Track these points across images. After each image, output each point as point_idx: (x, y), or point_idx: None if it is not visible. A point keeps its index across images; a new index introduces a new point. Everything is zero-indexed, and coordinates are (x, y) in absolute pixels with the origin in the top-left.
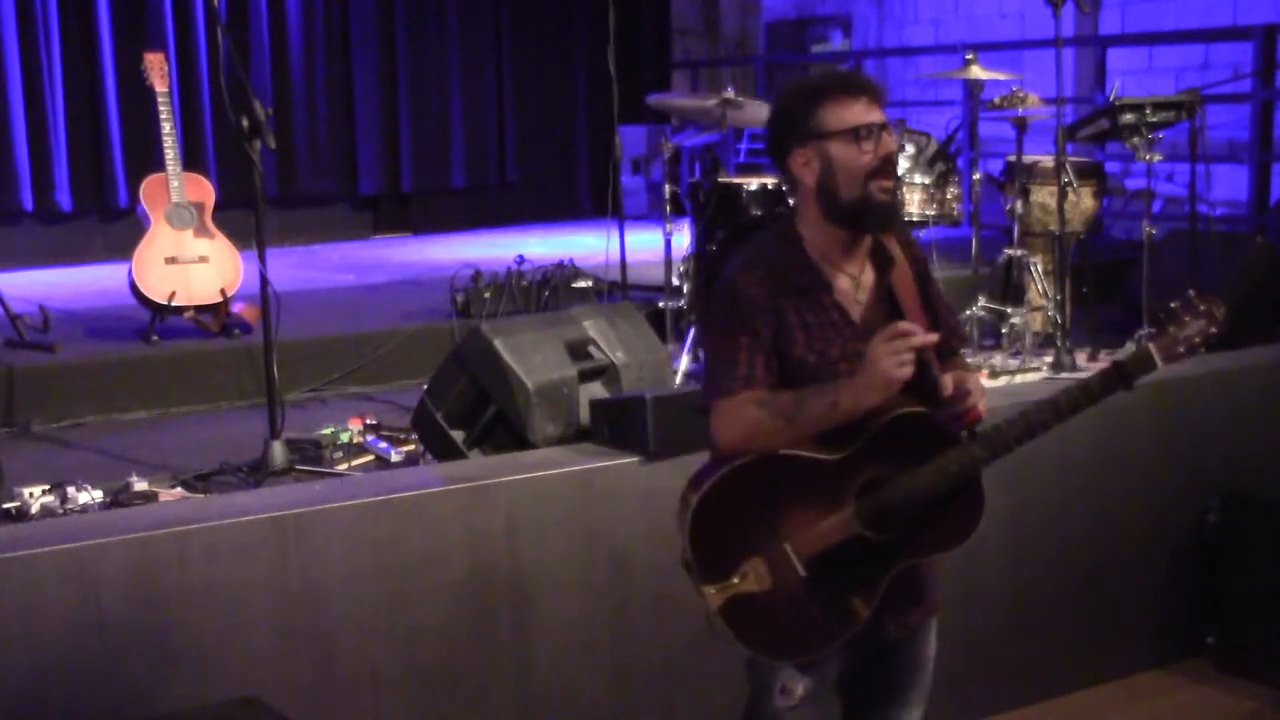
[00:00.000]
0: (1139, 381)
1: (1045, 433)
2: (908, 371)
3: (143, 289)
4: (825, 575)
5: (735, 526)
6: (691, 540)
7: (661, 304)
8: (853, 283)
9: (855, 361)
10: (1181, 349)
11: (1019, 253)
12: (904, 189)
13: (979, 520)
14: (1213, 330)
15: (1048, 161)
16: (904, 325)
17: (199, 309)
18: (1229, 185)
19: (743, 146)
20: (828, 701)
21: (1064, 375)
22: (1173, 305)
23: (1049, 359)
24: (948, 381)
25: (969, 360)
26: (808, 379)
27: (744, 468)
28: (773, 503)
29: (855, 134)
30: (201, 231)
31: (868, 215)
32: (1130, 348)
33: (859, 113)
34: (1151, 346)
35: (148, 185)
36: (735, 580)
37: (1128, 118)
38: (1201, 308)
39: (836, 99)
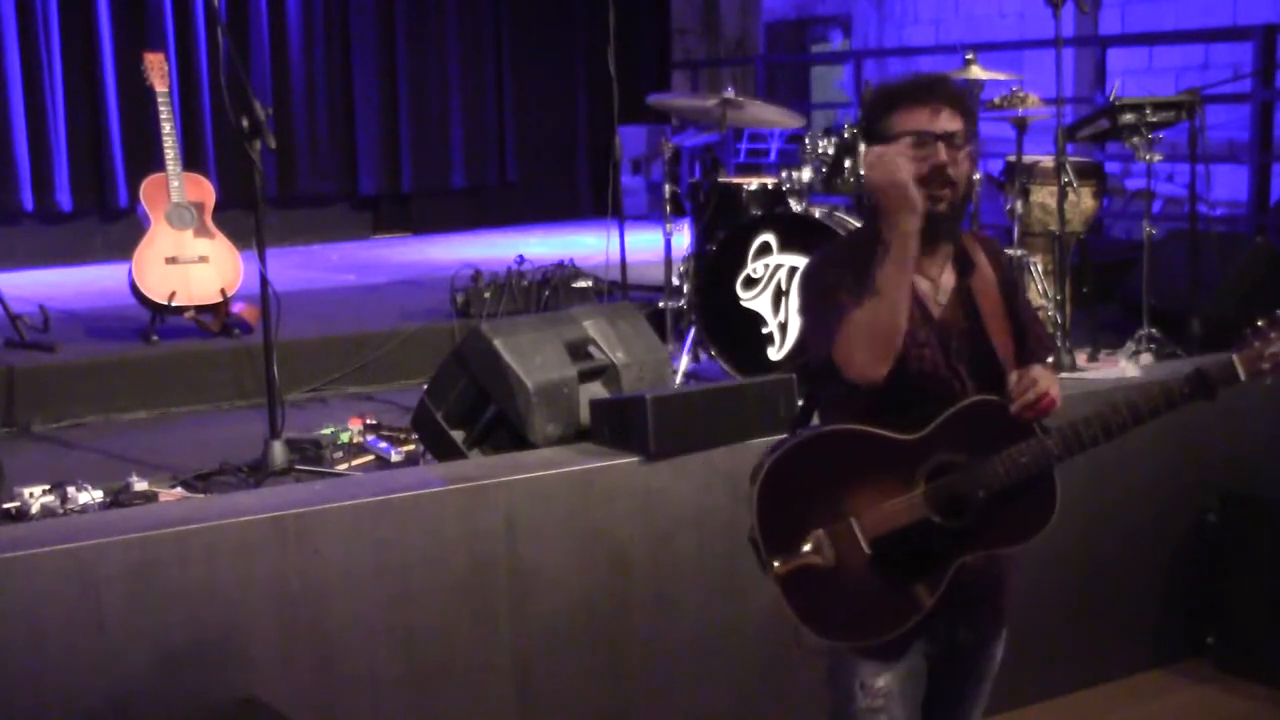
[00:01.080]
0: (1220, 391)
1: (1122, 435)
2: (894, 165)
3: (143, 289)
4: (890, 557)
5: (803, 499)
6: (759, 511)
7: (662, 304)
8: (932, 285)
9: (935, 349)
10: (1266, 365)
11: (1019, 253)
12: None
13: (1051, 516)
14: None
15: (1048, 162)
16: (876, 147)
17: (199, 309)
18: (1229, 185)
19: (743, 146)
20: (911, 697)
21: (1064, 375)
22: (1260, 322)
23: (1048, 360)
24: (1014, 376)
25: None
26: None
27: (816, 439)
28: (842, 477)
29: (907, 140)
30: (201, 231)
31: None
32: (1130, 348)
33: (920, 119)
34: (1235, 358)
35: (148, 185)
36: (803, 551)
37: (1128, 118)
38: None
39: (906, 105)
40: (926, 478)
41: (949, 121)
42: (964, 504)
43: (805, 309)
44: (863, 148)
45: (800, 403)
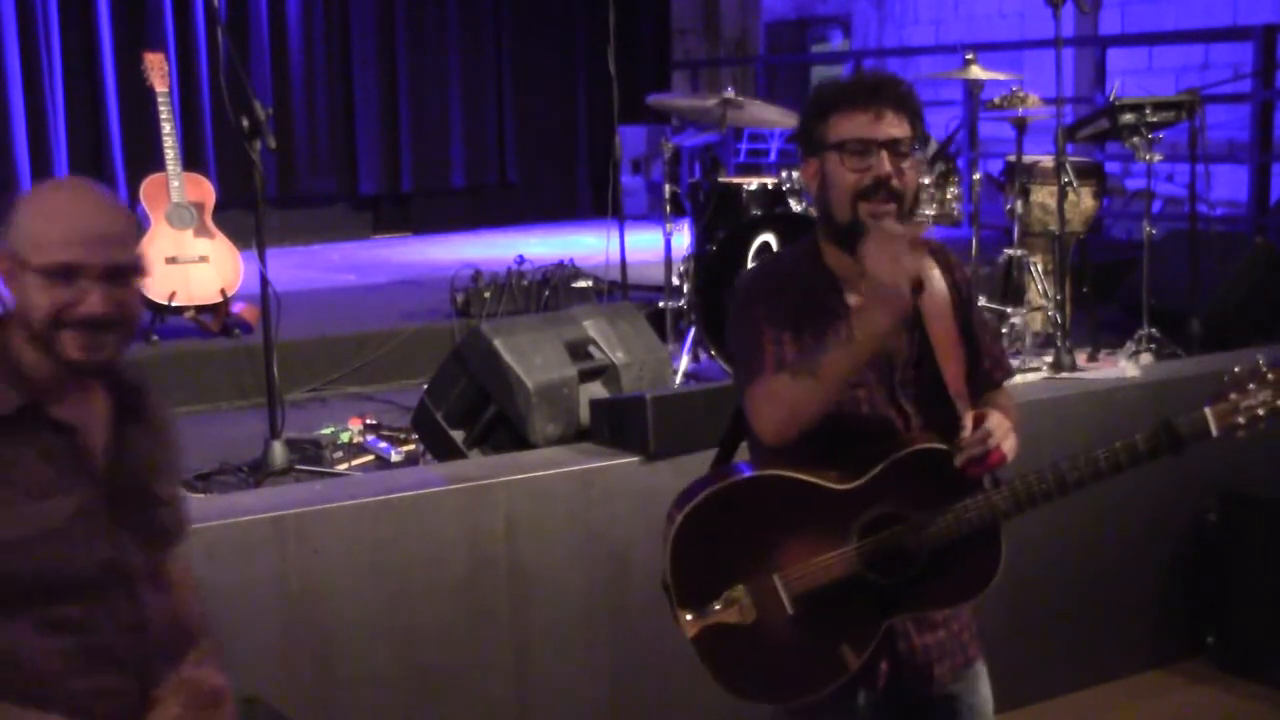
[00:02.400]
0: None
1: (1079, 490)
2: (907, 264)
3: (143, 289)
4: (815, 615)
5: (722, 550)
6: (673, 559)
7: (661, 304)
8: None
9: (872, 389)
10: (1241, 419)
11: (1019, 253)
12: None
13: (994, 575)
14: (1278, 404)
15: (1048, 161)
16: (887, 224)
17: (199, 309)
18: (1229, 185)
19: (743, 146)
20: None
21: (1064, 375)
22: (1237, 369)
23: (1049, 359)
24: (968, 419)
25: None
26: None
27: (739, 485)
28: (767, 528)
29: (843, 148)
30: (202, 231)
31: (856, 240)
32: (1130, 348)
33: (860, 125)
34: (1208, 411)
35: (148, 185)
36: (716, 608)
37: (1128, 118)
38: (1270, 377)
39: (846, 108)
40: (861, 532)
41: (893, 127)
42: (901, 561)
43: (731, 334)
44: (807, 160)
45: (728, 426)
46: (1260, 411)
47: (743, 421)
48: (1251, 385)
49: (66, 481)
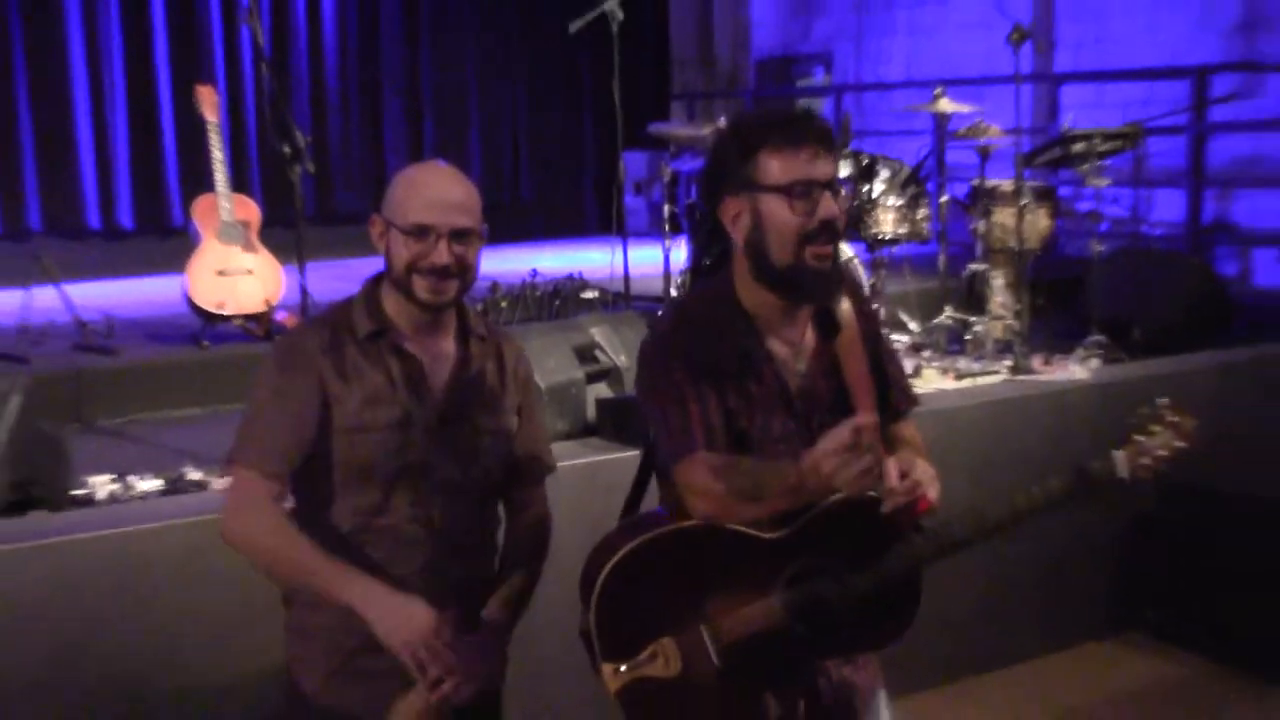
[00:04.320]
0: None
1: (999, 535)
2: (868, 480)
3: (195, 299)
4: (740, 666)
5: (648, 601)
6: (597, 612)
7: (661, 313)
8: (793, 350)
9: (794, 441)
10: (1147, 461)
11: (982, 267)
12: (880, 210)
13: (912, 619)
14: (1180, 445)
15: (1008, 185)
16: (844, 432)
17: (246, 316)
18: (1167, 208)
19: None
20: None
21: (1022, 377)
22: (1141, 411)
23: (1008, 363)
24: (892, 469)
25: (935, 366)
26: (752, 452)
27: (668, 536)
28: (694, 579)
29: (791, 190)
30: (248, 247)
31: (800, 284)
32: (1080, 353)
33: (799, 166)
34: (1117, 456)
35: (200, 205)
36: (641, 660)
37: (1078, 147)
38: (1171, 419)
39: (777, 146)
40: (787, 583)
41: (828, 165)
42: (825, 610)
43: (647, 391)
44: (727, 200)
45: (639, 470)
46: (1163, 452)
47: (654, 464)
48: (1156, 427)
49: (397, 395)
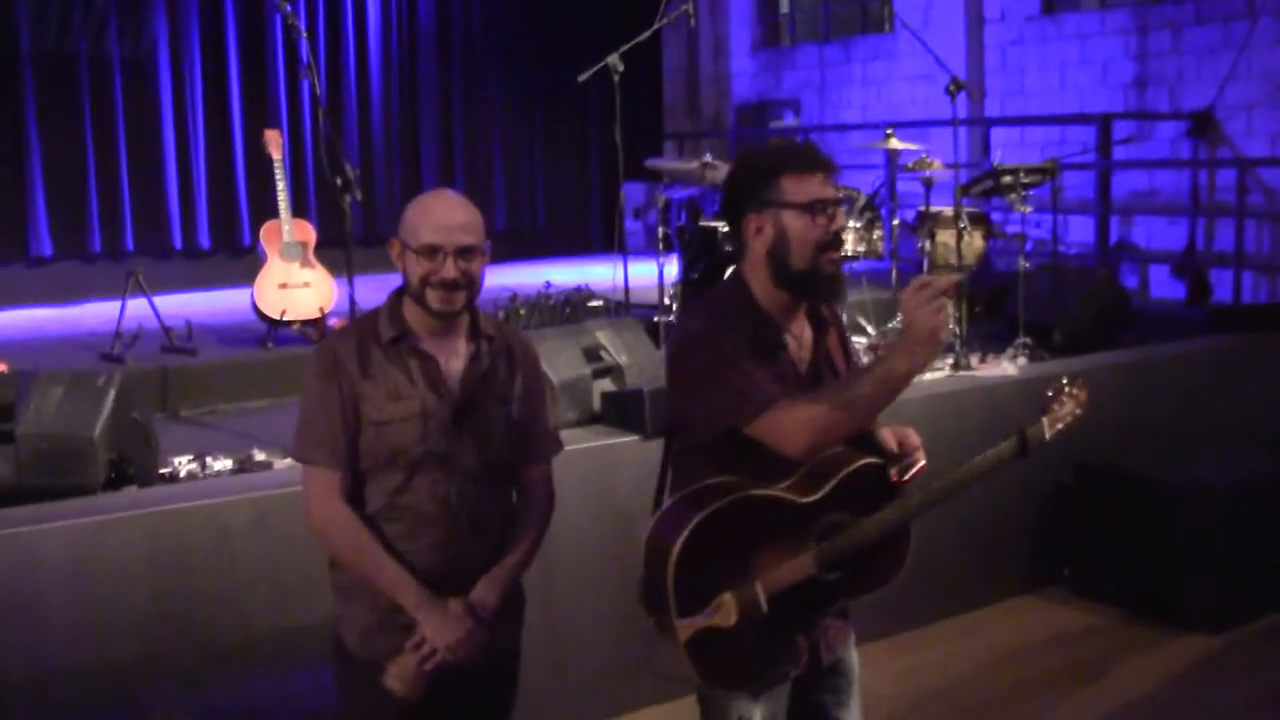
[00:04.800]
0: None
1: (965, 491)
2: (945, 317)
3: (261, 308)
4: (779, 611)
5: (713, 564)
6: (675, 577)
7: (656, 319)
8: (797, 343)
9: None
10: (1060, 425)
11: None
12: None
13: (905, 563)
14: (1079, 411)
15: (948, 211)
16: (923, 277)
17: (304, 323)
18: (1080, 231)
19: (718, 199)
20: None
21: (961, 373)
22: (1050, 391)
23: (950, 361)
24: (890, 437)
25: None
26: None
27: (725, 509)
28: (749, 542)
29: (812, 208)
30: (306, 264)
31: (816, 285)
32: (1010, 352)
33: (816, 187)
34: (1043, 421)
35: (266, 229)
36: (707, 614)
37: (1006, 179)
38: (1070, 391)
39: (797, 171)
40: (818, 538)
41: (834, 188)
42: (842, 561)
43: (703, 374)
44: (750, 216)
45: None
46: (1068, 418)
47: (677, 448)
48: (1063, 398)
49: (416, 390)
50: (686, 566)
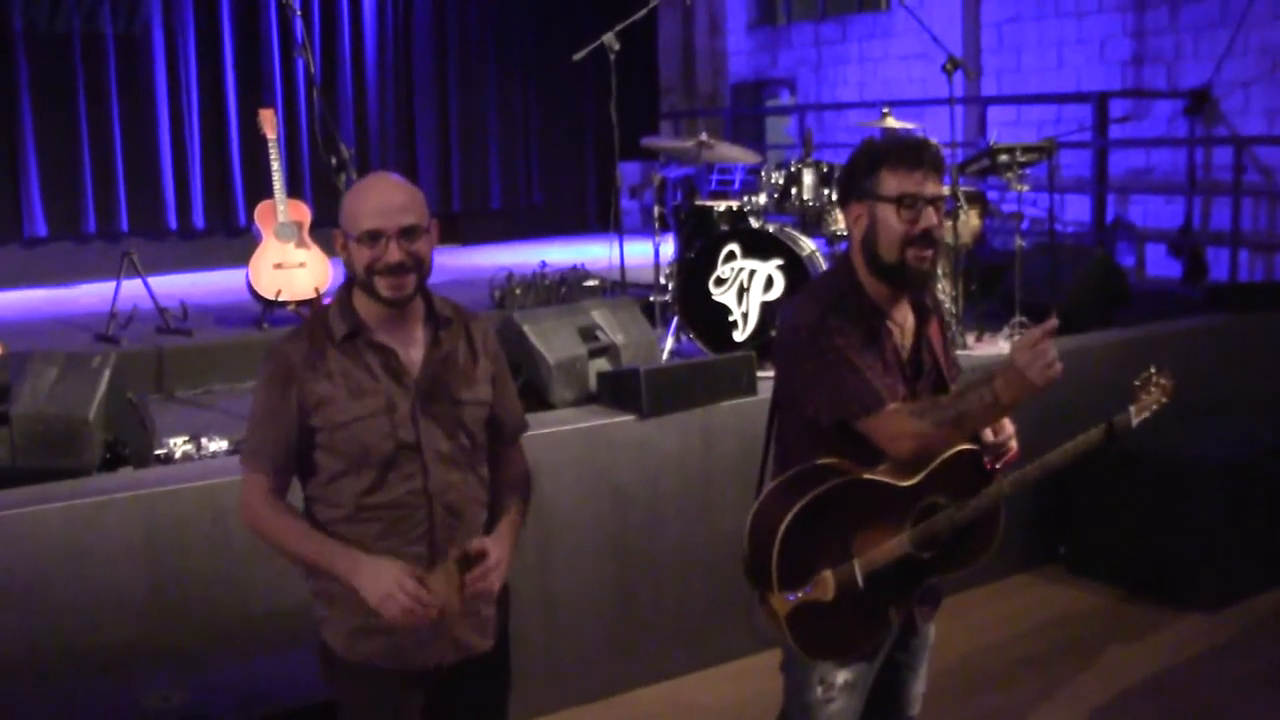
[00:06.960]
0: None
1: (1054, 476)
2: (1057, 369)
3: (256, 288)
4: (874, 587)
5: (816, 542)
6: (780, 554)
7: (652, 298)
8: (900, 330)
9: (904, 398)
10: (1147, 414)
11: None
12: (838, 211)
13: (995, 543)
14: (1164, 399)
15: (945, 190)
16: (1036, 333)
17: (299, 303)
18: (1077, 209)
19: (714, 178)
20: (862, 688)
21: (958, 351)
22: (1137, 381)
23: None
24: (987, 430)
25: None
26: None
27: (829, 491)
28: (850, 522)
29: (901, 201)
30: (301, 244)
31: (901, 278)
32: (1006, 331)
33: (912, 183)
34: (1130, 410)
35: (260, 209)
36: (809, 589)
37: (1003, 158)
38: (1159, 381)
39: (895, 166)
40: (915, 520)
41: (936, 186)
42: (937, 540)
43: (816, 366)
44: (851, 204)
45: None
46: (1155, 406)
47: (782, 425)
48: (1151, 387)
49: (379, 385)
50: (790, 545)
